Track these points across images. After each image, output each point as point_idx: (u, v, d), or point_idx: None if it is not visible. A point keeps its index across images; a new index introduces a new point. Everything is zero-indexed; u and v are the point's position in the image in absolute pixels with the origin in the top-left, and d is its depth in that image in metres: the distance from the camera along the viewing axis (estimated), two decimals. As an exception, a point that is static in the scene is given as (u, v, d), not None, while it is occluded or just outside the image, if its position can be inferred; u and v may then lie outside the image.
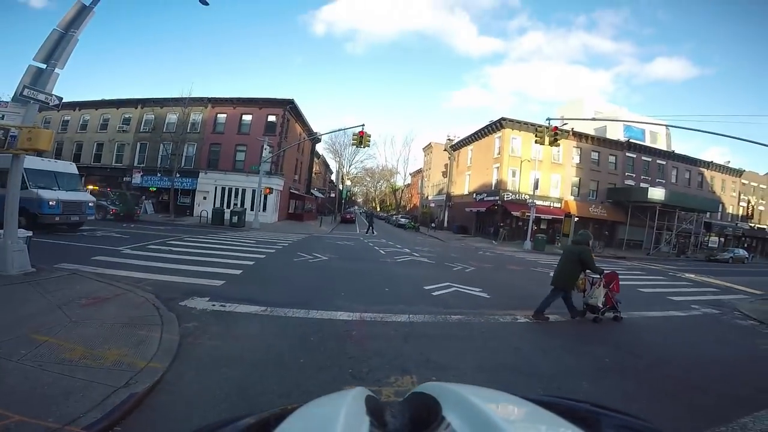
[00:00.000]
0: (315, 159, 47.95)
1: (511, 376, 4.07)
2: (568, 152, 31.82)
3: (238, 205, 26.20)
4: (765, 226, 41.89)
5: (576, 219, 27.34)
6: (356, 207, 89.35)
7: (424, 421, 0.66)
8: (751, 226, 40.61)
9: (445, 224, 40.56)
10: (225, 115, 29.81)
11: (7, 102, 7.04)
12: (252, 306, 5.81)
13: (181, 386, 3.24)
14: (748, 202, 40.25)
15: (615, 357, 4.91)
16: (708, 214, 35.20)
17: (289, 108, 29.74)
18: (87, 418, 2.53)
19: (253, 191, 25.76)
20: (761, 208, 42.16)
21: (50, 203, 12.08)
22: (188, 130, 28.11)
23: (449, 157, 44.04)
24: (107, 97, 32.16)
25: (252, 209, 24.64)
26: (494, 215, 30.64)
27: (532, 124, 28.53)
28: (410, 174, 69.32)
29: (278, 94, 29.83)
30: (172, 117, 28.96)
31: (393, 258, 13.50)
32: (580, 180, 32.31)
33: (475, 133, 36.71)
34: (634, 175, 33.81)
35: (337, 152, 57.59)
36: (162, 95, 28.92)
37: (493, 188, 31.48)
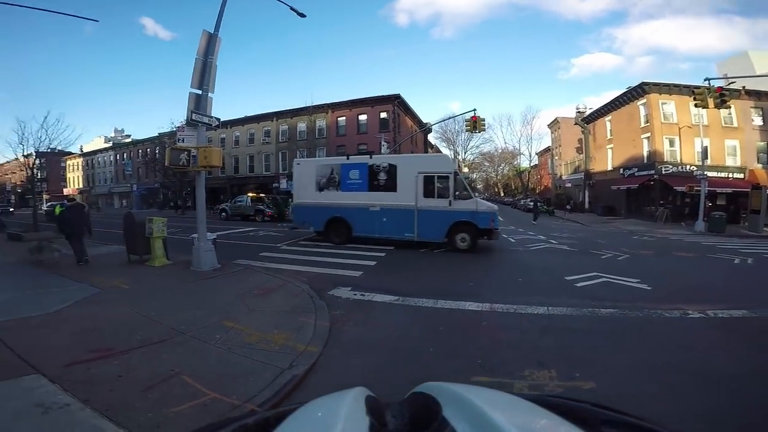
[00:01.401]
0: (429, 150, 48.09)
1: (675, 376, 3.41)
2: (745, 113, 25.06)
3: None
4: None
5: (769, 190, 21.10)
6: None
7: (424, 421, 0.66)
8: None
9: (586, 206, 36.05)
10: (344, 118, 32.20)
11: (184, 126, 8.54)
12: (387, 296, 6.15)
13: (330, 368, 3.62)
14: None
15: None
16: None
17: (397, 103, 30.59)
18: (261, 396, 2.95)
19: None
20: None
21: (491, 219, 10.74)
22: (316, 136, 31.41)
23: (583, 131, 38.86)
24: (249, 114, 37.29)
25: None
26: (650, 192, 25.95)
27: (686, 86, 23.59)
28: (536, 154, 63.70)
29: (384, 91, 31.09)
30: (302, 126, 32.75)
31: (525, 246, 12.62)
32: None
33: (612, 102, 31.84)
34: None
35: (449, 140, 56.71)
36: (290, 107, 32.97)
37: (645, 161, 26.70)
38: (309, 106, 29.78)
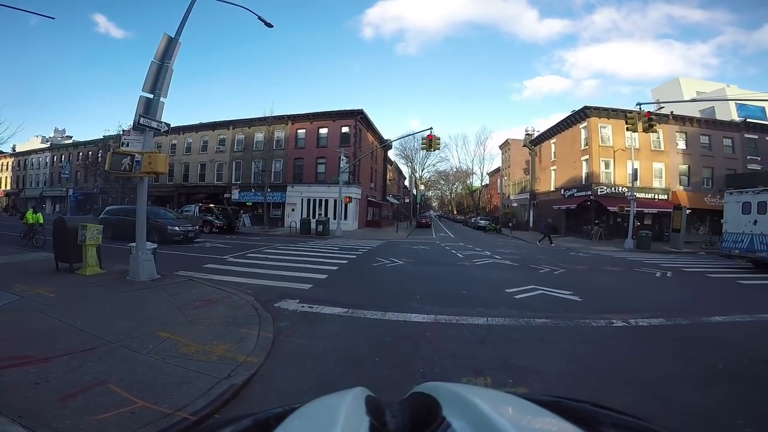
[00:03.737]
0: (388, 166, 48.91)
1: (600, 381, 3.74)
2: (671, 138, 28.16)
3: (322, 215, 27.84)
4: None
5: (688, 211, 23.64)
6: (431, 211, 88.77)
7: (424, 421, 0.65)
8: None
9: (531, 224, 38.22)
10: (304, 131, 31.93)
11: (130, 130, 8.12)
12: (335, 308, 6.14)
13: (272, 378, 3.59)
14: None
15: (730, 361, 4.25)
16: None
17: (359, 118, 30.85)
18: (194, 405, 2.89)
19: (335, 201, 27.17)
20: None
21: None
22: (274, 148, 30.84)
23: (530, 153, 41.58)
24: (204, 121, 36.16)
25: (334, 218, 25.98)
26: (587, 212, 28.11)
27: (622, 111, 26.01)
28: (488, 174, 66.90)
29: (347, 106, 31.16)
30: (259, 136, 32.12)
31: (471, 261, 13.15)
32: (689, 168, 28.22)
33: (557, 125, 34.44)
34: (759, 158, 28.32)
35: (408, 157, 57.69)
36: (248, 116, 32.22)
37: (583, 182, 28.97)
38: (269, 117, 29.29)
